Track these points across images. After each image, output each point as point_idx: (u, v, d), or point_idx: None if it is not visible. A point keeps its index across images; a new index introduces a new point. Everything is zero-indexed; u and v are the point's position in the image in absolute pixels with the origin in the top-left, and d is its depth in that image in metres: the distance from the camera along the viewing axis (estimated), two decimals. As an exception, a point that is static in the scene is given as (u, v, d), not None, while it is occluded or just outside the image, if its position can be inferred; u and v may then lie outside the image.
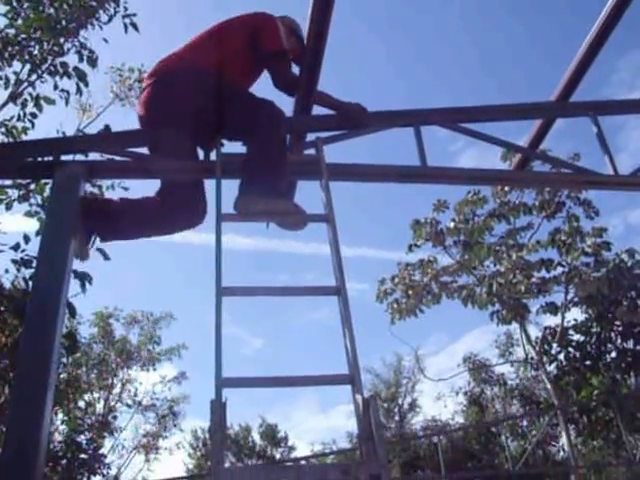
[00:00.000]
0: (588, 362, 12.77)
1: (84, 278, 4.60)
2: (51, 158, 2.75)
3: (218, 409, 1.79)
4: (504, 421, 14.75)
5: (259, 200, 2.52)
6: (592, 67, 3.51)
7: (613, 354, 12.69)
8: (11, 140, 5.98)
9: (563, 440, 13.46)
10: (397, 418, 21.91)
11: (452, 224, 12.36)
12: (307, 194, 3.09)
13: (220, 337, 2.02)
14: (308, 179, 2.97)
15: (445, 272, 12.65)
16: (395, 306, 12.29)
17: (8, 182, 6.06)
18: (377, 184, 3.36)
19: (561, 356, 13.04)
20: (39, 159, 2.78)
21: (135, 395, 19.31)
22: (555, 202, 12.09)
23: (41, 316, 2.28)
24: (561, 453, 16.05)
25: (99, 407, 17.90)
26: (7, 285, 5.37)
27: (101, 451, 16.50)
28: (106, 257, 4.82)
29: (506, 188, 12.01)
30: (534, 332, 13.85)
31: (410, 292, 12.27)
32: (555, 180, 4.48)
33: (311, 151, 2.92)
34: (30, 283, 4.65)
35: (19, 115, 6.15)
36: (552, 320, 13.58)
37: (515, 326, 14.10)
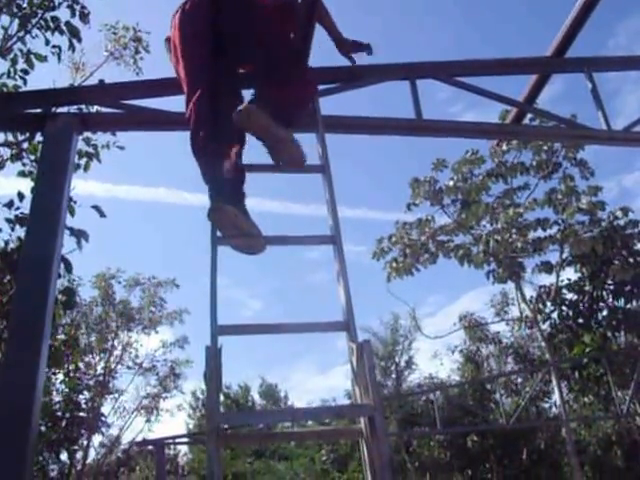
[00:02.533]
0: (580, 320, 12.97)
1: (80, 235, 4.56)
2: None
3: (213, 355, 1.82)
4: (499, 376, 15.02)
5: (267, 118, 2.43)
6: (589, 30, 3.46)
7: (604, 312, 12.90)
8: (1, 96, 5.83)
9: (555, 396, 13.78)
10: (394, 376, 22.31)
11: (451, 182, 12.31)
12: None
13: (215, 286, 2.04)
14: (304, 131, 2.92)
15: (442, 231, 12.68)
16: (393, 265, 12.35)
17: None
18: (375, 141, 3.34)
19: (555, 314, 13.24)
20: (30, 111, 2.73)
21: (136, 357, 19.50)
22: (552, 162, 12.04)
23: (34, 269, 2.26)
24: (553, 409, 16.46)
25: (99, 369, 18.11)
26: (1, 245, 5.33)
27: (101, 411, 16.81)
28: (102, 214, 4.78)
29: (504, 147, 11.92)
30: (529, 291, 13.99)
31: (407, 251, 12.31)
32: (549, 134, 4.47)
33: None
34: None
35: (9, 71, 5.98)
36: (547, 279, 13.73)
37: (510, 286, 14.26)
